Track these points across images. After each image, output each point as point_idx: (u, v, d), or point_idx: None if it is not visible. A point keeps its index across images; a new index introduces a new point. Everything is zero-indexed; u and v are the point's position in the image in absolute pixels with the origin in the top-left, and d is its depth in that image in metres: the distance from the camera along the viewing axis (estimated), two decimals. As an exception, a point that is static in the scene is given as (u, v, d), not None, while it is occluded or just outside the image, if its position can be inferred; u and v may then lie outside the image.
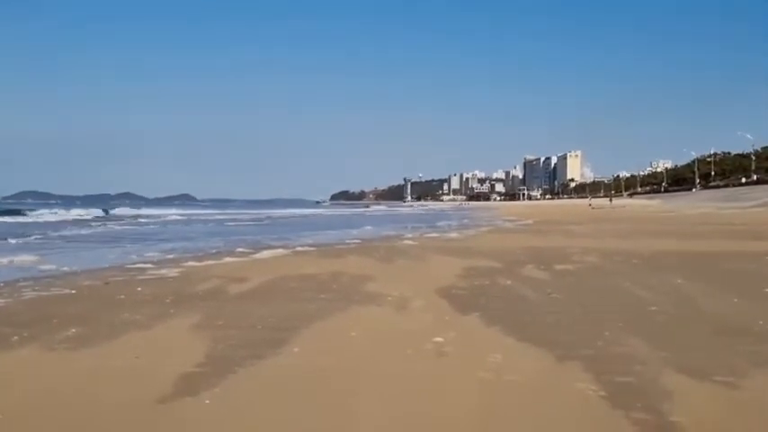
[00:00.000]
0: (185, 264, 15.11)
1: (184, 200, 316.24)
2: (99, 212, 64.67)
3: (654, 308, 8.60)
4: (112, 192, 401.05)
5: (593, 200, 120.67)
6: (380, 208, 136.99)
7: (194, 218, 57.22)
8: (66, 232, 32.04)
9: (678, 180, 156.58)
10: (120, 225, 41.83)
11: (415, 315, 8.42)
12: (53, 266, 14.71)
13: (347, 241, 23.85)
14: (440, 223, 45.69)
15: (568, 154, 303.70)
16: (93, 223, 44.28)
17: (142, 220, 50.33)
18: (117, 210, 74.49)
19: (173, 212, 71.45)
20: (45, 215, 55.72)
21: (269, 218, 59.11)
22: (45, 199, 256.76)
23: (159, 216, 60.21)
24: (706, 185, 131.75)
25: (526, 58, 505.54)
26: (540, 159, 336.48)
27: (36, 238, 26.27)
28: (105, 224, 42.87)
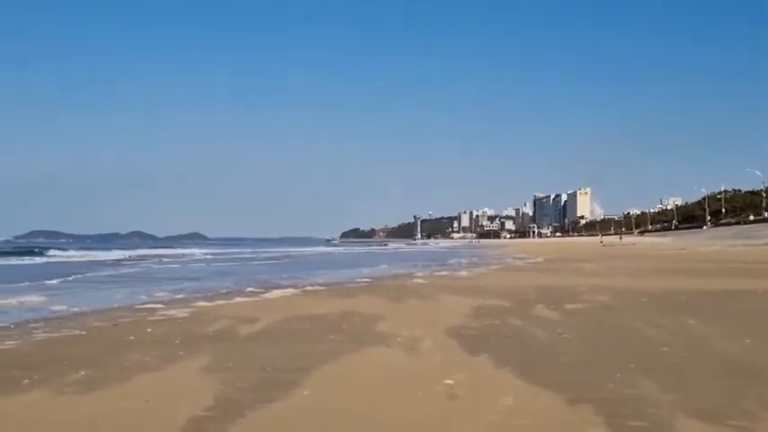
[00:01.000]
0: (195, 304, 15.13)
1: (194, 238, 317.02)
2: (128, 253, 64.41)
3: (665, 349, 8.53)
4: (122, 230, 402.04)
5: (604, 237, 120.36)
6: (391, 246, 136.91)
7: (220, 257, 57.39)
8: (107, 271, 32.12)
9: (688, 217, 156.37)
10: (159, 264, 41.96)
11: (426, 356, 8.38)
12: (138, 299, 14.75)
13: (357, 280, 23.83)
14: (450, 261, 45.68)
15: (578, 191, 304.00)
16: (125, 262, 44.53)
17: (184, 259, 51.46)
18: (144, 250, 74.22)
19: (198, 251, 72.74)
20: (74, 256, 56.66)
21: (284, 257, 59.09)
22: (55, 238, 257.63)
23: (189, 255, 60.88)
24: (717, 223, 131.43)
25: (534, 94, 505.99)
26: (549, 197, 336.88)
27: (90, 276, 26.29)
28: (139, 263, 42.99)
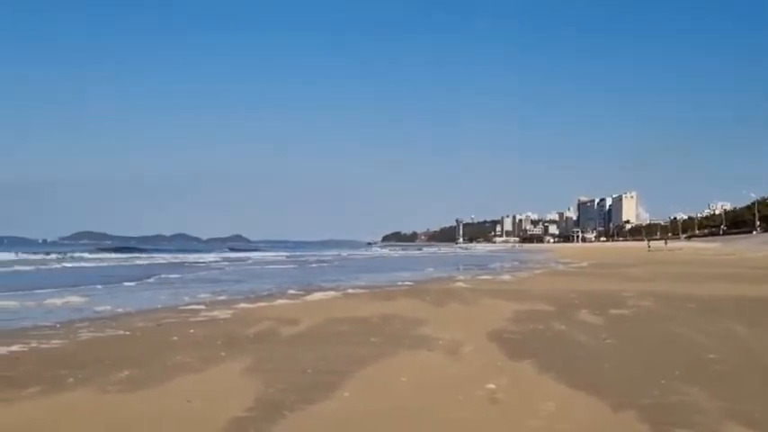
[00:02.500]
0: (237, 305, 15.27)
1: (237, 240, 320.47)
2: (219, 255, 69.21)
3: (712, 355, 8.37)
4: (166, 232, 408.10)
5: (651, 242, 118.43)
6: (432, 250, 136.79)
7: (292, 259, 58.64)
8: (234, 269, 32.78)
9: (737, 222, 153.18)
10: (247, 265, 44.16)
11: (467, 360, 8.34)
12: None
13: (398, 284, 23.83)
14: (492, 265, 45.45)
15: (623, 195, 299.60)
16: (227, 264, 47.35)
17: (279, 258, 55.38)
18: (227, 253, 79.01)
19: (274, 254, 75.16)
20: (179, 257, 60.25)
21: (325, 259, 59.43)
22: (99, 239, 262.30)
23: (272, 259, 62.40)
24: (767, 228, 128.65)
25: (577, 97, 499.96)
26: (594, 201, 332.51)
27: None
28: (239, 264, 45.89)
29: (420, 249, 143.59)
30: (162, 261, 51.63)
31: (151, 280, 26.69)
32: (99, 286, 22.16)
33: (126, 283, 24.25)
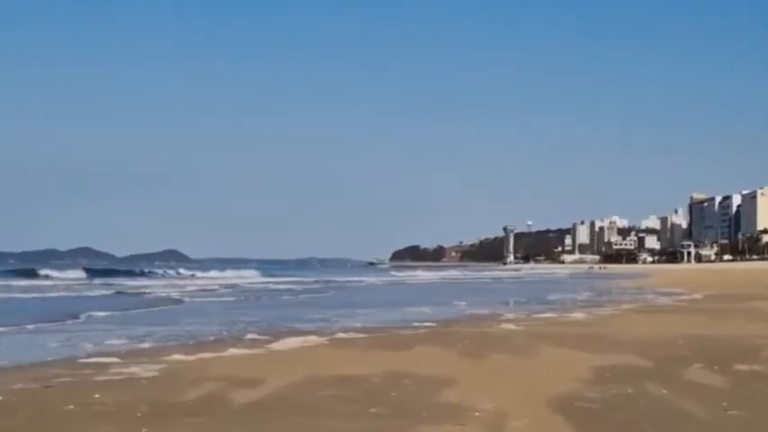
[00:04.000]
0: (167, 357, 15.26)
1: (170, 258, 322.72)
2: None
3: None
4: (62, 246, 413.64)
5: None
6: (466, 273, 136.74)
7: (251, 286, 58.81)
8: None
9: None
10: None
11: (517, 442, 8.34)
12: None
13: (414, 324, 23.81)
14: (558, 297, 45.39)
15: (759, 191, 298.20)
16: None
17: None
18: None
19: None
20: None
21: (304, 287, 59.47)
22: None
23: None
24: None
25: (685, 59, 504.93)
26: (714, 200, 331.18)
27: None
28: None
29: (448, 271, 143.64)
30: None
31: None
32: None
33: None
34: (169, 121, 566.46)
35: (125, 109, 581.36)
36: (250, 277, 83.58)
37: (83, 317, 26.67)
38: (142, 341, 18.85)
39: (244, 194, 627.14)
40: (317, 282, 72.78)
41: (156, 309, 33.51)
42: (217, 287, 57.65)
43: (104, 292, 50.16)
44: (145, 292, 48.90)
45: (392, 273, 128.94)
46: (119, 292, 49.09)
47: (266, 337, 19.23)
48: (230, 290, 54.30)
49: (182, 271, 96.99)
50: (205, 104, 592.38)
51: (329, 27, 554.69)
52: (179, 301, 39.25)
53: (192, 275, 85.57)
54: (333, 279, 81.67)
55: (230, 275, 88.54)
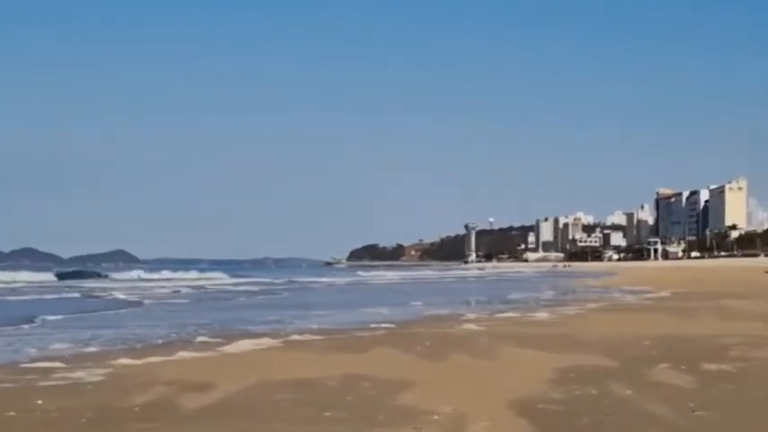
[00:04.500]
0: (114, 361, 15.17)
1: (117, 258, 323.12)
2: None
3: None
4: (5, 249, 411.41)
5: None
6: (427, 273, 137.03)
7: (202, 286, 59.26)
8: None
9: None
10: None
11: (477, 446, 8.34)
12: None
13: (372, 325, 23.82)
14: (521, 296, 45.58)
15: (727, 186, 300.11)
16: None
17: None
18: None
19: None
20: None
21: (258, 288, 59.42)
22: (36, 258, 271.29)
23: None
24: None
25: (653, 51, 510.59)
26: (681, 195, 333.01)
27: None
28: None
29: (408, 271, 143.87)
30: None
31: None
32: None
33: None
34: (113, 119, 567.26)
35: (67, 104, 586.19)
36: (216, 279, 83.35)
37: (38, 320, 26.39)
38: (89, 345, 18.72)
39: (192, 193, 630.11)
40: (288, 282, 73.13)
41: (112, 312, 33.09)
42: (181, 288, 57.62)
43: (74, 294, 49.79)
44: (108, 295, 48.35)
45: (359, 273, 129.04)
46: (88, 296, 48.34)
47: (218, 340, 19.16)
48: (195, 291, 54.59)
49: (142, 274, 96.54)
50: (153, 102, 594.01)
51: (269, 22, 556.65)
52: (138, 304, 39.01)
53: (165, 278, 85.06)
54: (297, 279, 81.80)
55: (194, 276, 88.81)
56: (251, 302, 41.43)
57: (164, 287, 60.50)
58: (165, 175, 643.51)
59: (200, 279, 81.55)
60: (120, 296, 46.01)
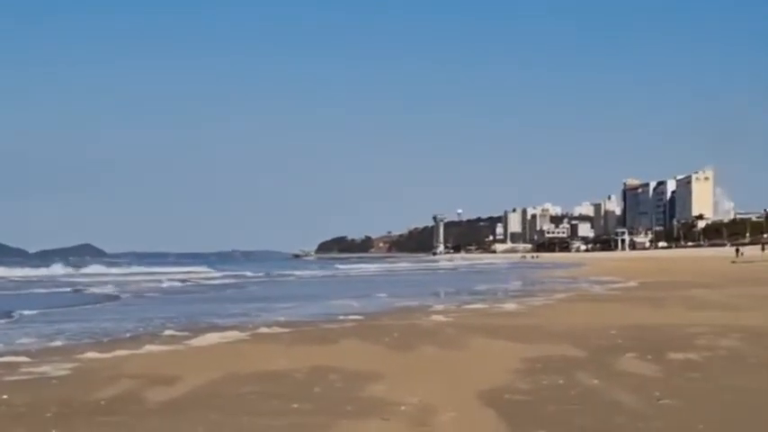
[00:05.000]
0: (80, 355, 15.12)
1: (84, 253, 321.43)
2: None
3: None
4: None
5: (741, 248, 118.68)
6: (396, 266, 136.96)
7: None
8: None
9: None
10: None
11: (444, 436, 8.35)
12: None
13: (340, 317, 23.81)
14: (489, 287, 45.64)
15: (694, 176, 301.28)
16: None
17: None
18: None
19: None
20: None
21: (224, 282, 59.36)
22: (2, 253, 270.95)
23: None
24: None
25: (620, 45, 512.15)
26: (648, 186, 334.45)
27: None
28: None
29: (376, 263, 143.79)
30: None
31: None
32: None
33: None
34: (76, 114, 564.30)
35: (34, 101, 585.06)
36: (203, 272, 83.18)
37: (16, 315, 26.26)
38: (55, 339, 18.64)
39: (158, 188, 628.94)
40: (266, 275, 73.20)
41: (89, 306, 32.78)
42: (164, 281, 57.66)
43: (62, 289, 49.26)
44: (86, 290, 47.90)
45: (318, 265, 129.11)
46: (76, 290, 47.89)
47: (185, 333, 19.14)
48: (180, 284, 54.57)
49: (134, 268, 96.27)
50: (118, 97, 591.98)
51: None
52: (115, 298, 38.98)
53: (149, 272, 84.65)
54: (254, 273, 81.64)
55: (179, 270, 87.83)
56: (224, 296, 41.37)
57: (148, 281, 60.35)
58: (130, 170, 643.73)
59: (197, 273, 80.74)
60: (107, 291, 45.53)
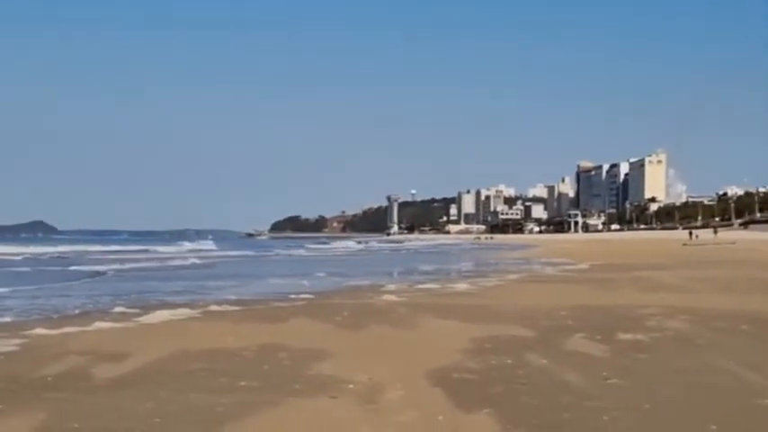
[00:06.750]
0: (29, 331, 15.04)
1: (37, 230, 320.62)
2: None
3: (769, 401, 8.62)
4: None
5: (694, 231, 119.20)
6: (348, 244, 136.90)
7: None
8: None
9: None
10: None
11: (392, 414, 8.38)
12: None
13: (291, 296, 23.83)
14: (442, 267, 45.77)
15: (647, 159, 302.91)
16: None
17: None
18: None
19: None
20: None
21: (177, 261, 59.15)
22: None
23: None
24: None
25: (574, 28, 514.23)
26: (601, 168, 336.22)
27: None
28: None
29: (328, 243, 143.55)
30: None
31: None
32: None
33: None
34: (28, 88, 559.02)
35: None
36: (207, 250, 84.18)
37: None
38: (2, 315, 18.53)
39: (110, 165, 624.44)
40: (191, 253, 73.15)
41: (63, 284, 32.41)
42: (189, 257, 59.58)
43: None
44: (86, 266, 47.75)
45: (270, 245, 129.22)
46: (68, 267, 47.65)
47: (135, 310, 19.06)
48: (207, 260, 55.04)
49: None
50: (69, 70, 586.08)
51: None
52: (99, 273, 39.16)
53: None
54: (206, 251, 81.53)
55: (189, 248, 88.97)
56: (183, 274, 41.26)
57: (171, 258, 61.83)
58: (82, 147, 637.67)
59: (199, 251, 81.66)
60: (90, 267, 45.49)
